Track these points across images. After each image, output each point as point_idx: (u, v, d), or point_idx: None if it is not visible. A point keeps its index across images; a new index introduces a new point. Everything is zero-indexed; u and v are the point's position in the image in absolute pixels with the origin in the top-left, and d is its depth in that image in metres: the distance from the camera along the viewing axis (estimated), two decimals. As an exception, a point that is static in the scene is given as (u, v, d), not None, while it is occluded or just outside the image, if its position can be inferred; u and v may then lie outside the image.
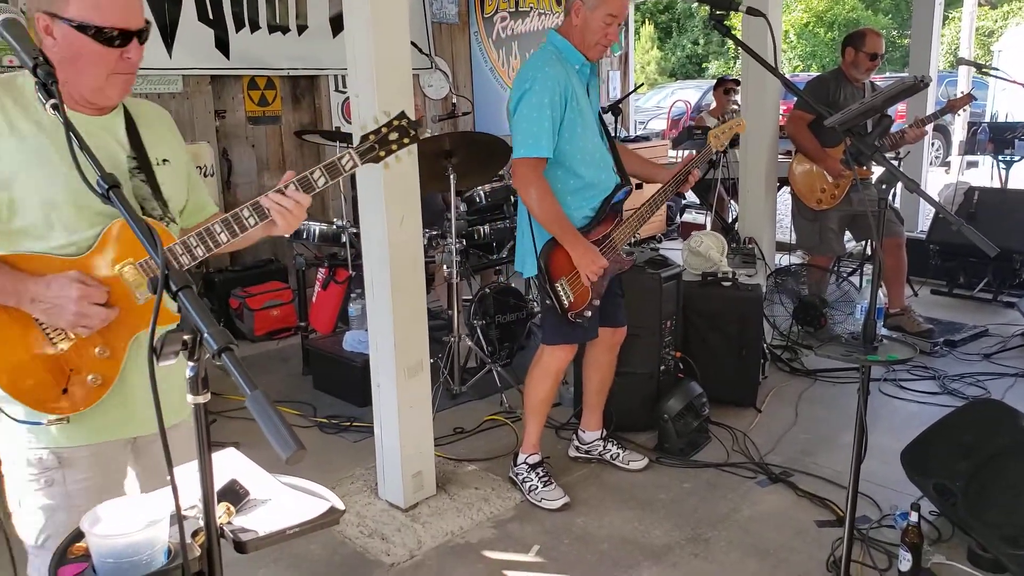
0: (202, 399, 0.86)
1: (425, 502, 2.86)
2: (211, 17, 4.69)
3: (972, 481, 2.42)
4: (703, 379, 3.39)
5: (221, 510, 0.95)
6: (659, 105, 14.43)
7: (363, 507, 2.86)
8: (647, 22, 22.17)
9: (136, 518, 0.89)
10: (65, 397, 1.39)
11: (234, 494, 0.98)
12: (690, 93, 14.20)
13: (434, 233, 3.91)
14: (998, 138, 5.25)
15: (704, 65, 23.24)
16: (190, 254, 1.45)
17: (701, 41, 23.11)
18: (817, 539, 2.59)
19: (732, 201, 5.92)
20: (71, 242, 1.41)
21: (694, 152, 5.80)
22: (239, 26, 4.83)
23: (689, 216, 7.55)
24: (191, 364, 0.85)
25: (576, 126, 2.62)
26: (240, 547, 0.92)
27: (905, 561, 2.34)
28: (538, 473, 2.90)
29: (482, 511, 2.83)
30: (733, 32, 2.35)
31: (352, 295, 4.09)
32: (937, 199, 5.53)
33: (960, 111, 5.20)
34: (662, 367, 3.35)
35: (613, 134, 6.00)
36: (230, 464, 1.06)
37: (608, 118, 6.55)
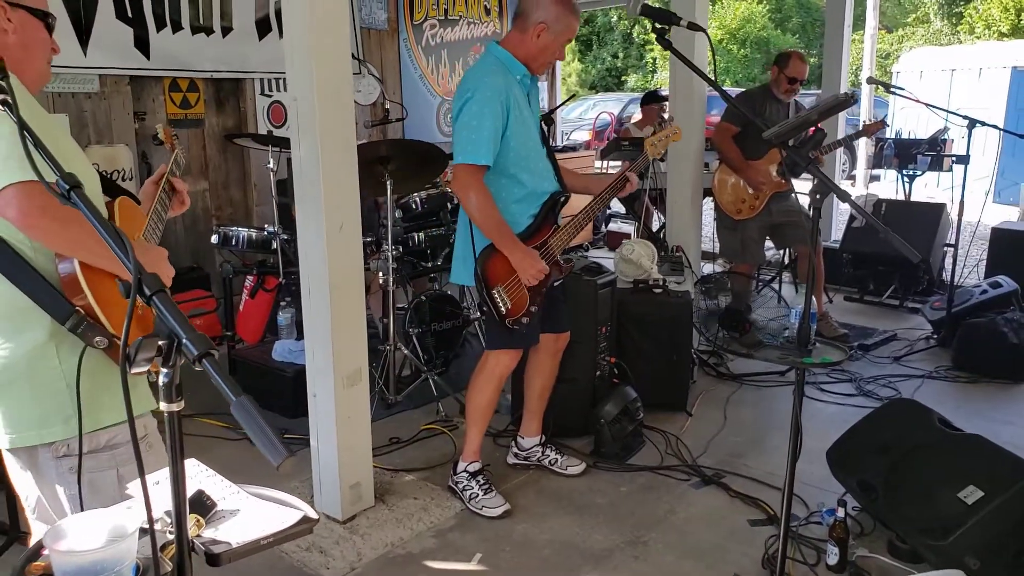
0: (176, 407, 0.83)
1: (363, 513, 2.82)
2: (130, 15, 4.49)
3: (891, 477, 2.53)
4: (636, 384, 3.46)
5: (191, 522, 0.91)
6: (582, 117, 14.70)
7: (300, 520, 2.78)
8: (568, 35, 22.55)
9: (102, 533, 0.85)
10: None
11: (202, 505, 0.94)
12: (611, 105, 14.55)
13: (369, 240, 3.86)
14: (903, 153, 5.60)
15: (623, 78, 23.83)
16: (156, 239, 1.64)
17: (620, 55, 23.73)
18: (750, 538, 2.68)
19: (657, 211, 6.08)
20: None
21: (627, 162, 5.99)
22: (160, 25, 4.63)
23: (615, 225, 7.71)
24: (164, 371, 0.82)
25: (520, 135, 2.65)
26: (213, 560, 0.88)
27: (833, 555, 2.45)
28: (479, 481, 2.89)
29: (422, 521, 2.80)
30: (674, 47, 2.42)
31: (281, 303, 3.98)
32: (849, 211, 5.88)
33: (872, 135, 5.55)
34: (598, 372, 3.40)
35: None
36: (192, 474, 1.02)
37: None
